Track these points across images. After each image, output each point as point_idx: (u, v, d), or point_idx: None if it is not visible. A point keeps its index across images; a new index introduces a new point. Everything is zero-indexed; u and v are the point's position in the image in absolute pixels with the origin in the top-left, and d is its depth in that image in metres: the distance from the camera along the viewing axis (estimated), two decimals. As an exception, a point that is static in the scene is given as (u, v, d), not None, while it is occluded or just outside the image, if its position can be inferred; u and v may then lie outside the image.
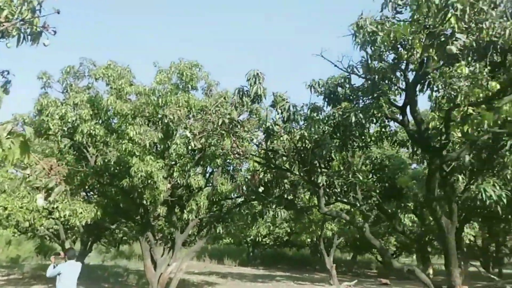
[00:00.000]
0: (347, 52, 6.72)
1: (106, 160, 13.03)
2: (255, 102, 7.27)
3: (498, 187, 7.74)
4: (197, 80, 15.02)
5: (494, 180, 8.00)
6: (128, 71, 14.32)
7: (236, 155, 8.16)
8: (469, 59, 6.93)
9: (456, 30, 5.05)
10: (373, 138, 9.35)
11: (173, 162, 14.37)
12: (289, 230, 28.28)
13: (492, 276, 28.41)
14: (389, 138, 9.29)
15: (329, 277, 22.91)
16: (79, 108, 12.79)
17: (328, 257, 23.19)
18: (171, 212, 16.03)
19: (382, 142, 9.58)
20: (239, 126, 7.97)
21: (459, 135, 6.99)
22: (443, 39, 5.14)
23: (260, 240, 27.24)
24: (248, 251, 36.31)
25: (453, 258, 7.87)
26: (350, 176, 8.44)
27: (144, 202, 14.32)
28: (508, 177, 8.23)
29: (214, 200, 16.03)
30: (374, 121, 8.09)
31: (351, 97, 8.51)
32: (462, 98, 5.99)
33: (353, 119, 6.98)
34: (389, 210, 11.98)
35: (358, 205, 8.79)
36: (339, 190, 8.72)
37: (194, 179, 13.83)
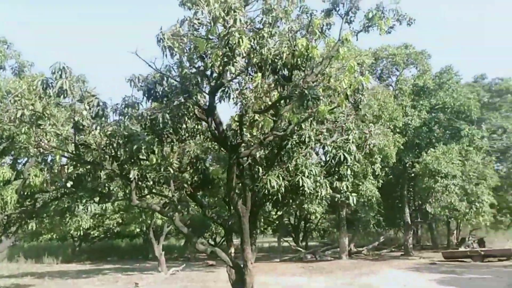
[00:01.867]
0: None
1: None
2: (60, 96, 7.07)
3: (281, 178, 9.60)
4: (4, 59, 13.28)
5: (279, 172, 9.87)
6: None
7: (41, 149, 7.76)
8: (266, 72, 8.40)
9: (238, 53, 6.15)
10: (188, 134, 10.18)
11: (-30, 152, 12.40)
12: (120, 221, 27.56)
13: (299, 249, 34.17)
14: (202, 134, 10.31)
15: (158, 264, 23.55)
16: None
17: (157, 245, 23.75)
18: (-32, 210, 13.86)
19: (196, 138, 10.54)
20: (45, 119, 7.60)
21: (250, 135, 8.41)
22: (226, 59, 6.20)
23: (81, 233, 24.26)
24: (74, 246, 33.60)
25: (245, 238, 9.38)
26: (162, 170, 9.05)
27: None
28: (290, 169, 10.23)
29: (26, 193, 14.54)
30: (186, 119, 8.89)
31: (168, 95, 9.09)
32: (249, 107, 7.28)
33: (161, 119, 7.58)
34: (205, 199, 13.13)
35: (170, 196, 9.53)
36: (151, 183, 9.25)
37: (-1, 171, 12.31)
